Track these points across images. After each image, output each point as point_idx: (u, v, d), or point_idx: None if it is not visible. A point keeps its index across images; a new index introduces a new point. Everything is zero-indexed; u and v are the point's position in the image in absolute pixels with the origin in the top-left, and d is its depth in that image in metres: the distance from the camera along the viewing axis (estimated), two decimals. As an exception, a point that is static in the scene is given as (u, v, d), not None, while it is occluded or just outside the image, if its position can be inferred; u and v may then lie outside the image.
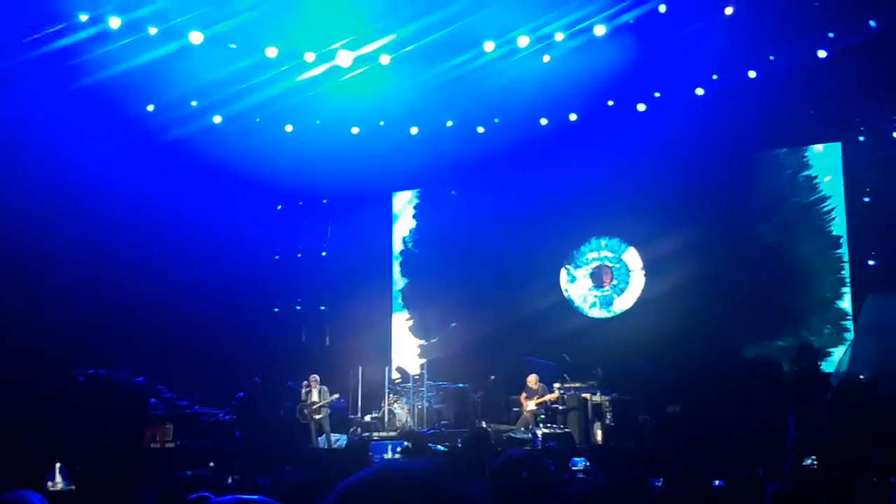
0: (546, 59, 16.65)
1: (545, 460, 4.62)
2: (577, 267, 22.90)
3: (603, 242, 22.72)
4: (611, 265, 22.52)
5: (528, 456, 4.39)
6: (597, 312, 22.46)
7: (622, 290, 22.60)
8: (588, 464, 9.54)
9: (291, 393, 18.11)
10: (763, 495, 5.70)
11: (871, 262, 17.82)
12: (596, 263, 22.93)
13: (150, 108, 17.27)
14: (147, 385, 17.08)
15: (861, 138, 17.61)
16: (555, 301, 21.60)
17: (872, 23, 15.22)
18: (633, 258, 22.19)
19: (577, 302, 22.59)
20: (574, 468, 8.88)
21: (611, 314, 21.99)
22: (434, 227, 21.65)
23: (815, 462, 11.41)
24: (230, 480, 10.41)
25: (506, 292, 20.91)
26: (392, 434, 17.47)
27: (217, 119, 17.76)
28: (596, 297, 22.71)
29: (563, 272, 22.91)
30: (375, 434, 17.56)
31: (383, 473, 1.65)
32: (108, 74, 15.51)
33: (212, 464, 14.42)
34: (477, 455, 12.75)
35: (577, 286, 22.64)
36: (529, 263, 21.45)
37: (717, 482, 8.41)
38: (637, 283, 22.29)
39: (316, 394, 17.56)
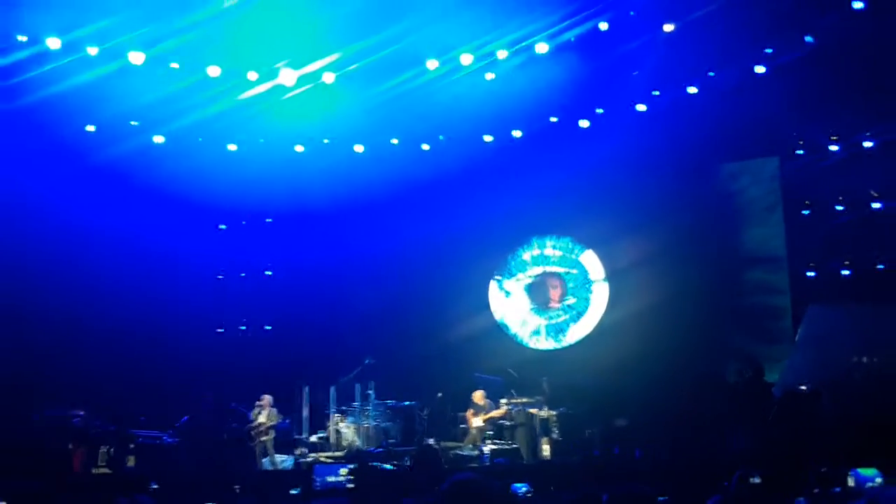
0: (489, 76, 16.77)
1: (491, 483, 4.59)
2: (510, 277, 21.29)
3: (549, 243, 21.19)
4: (561, 272, 20.89)
5: (472, 480, 4.36)
6: (542, 343, 20.96)
7: (579, 313, 20.69)
8: (530, 490, 9.52)
9: (235, 414, 17.87)
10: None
11: (810, 274, 18.13)
12: (537, 270, 21.19)
13: (91, 128, 17.04)
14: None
15: (799, 152, 17.93)
16: (486, 326, 20.82)
17: (809, 38, 15.54)
18: (592, 264, 20.93)
19: (514, 327, 21.04)
20: (517, 494, 8.84)
21: (561, 345, 20.79)
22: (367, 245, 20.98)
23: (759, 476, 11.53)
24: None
25: (434, 315, 20.41)
26: (339, 454, 17.31)
27: (158, 139, 17.55)
28: (541, 324, 20.85)
29: (492, 286, 21.53)
30: (322, 455, 17.38)
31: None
32: (47, 94, 15.33)
33: (155, 486, 14.19)
34: (425, 473, 12.72)
35: (512, 305, 21.03)
36: (454, 277, 20.71)
37: (661, 498, 8.45)
38: (599, 299, 20.73)
39: (265, 415, 17.35)
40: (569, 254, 21.38)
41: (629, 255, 20.03)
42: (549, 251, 21.58)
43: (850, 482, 10.50)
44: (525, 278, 21.42)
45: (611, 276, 20.79)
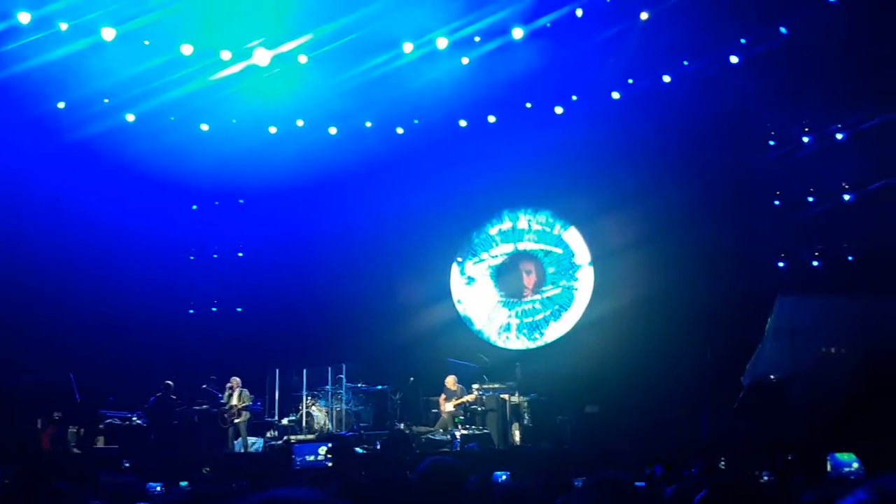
0: (465, 61, 16.71)
1: (465, 467, 4.60)
2: (473, 258, 19.66)
3: (524, 216, 19.28)
4: (537, 251, 18.89)
5: (449, 462, 4.37)
6: (513, 342, 19.68)
7: (561, 307, 18.64)
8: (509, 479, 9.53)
9: (207, 395, 17.81)
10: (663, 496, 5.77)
11: (780, 265, 18.24)
12: (506, 249, 19.41)
13: (61, 105, 16.84)
14: (46, 384, 16.50)
15: (771, 143, 18.00)
16: (447, 319, 19.98)
17: (783, 30, 15.59)
18: (578, 244, 19.02)
19: (479, 322, 19.57)
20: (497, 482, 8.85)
21: (535, 344, 19.54)
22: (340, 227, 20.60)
23: (724, 463, 11.61)
24: (158, 489, 10.17)
25: (397, 303, 19.85)
26: (310, 437, 17.29)
27: (130, 117, 17.38)
28: (511, 321, 19.02)
29: (453, 270, 20.19)
30: (293, 438, 17.35)
31: None
32: (17, 70, 15.15)
33: (126, 464, 14.17)
34: (396, 457, 12.74)
35: (476, 294, 19.47)
36: (413, 260, 19.82)
37: (638, 484, 8.50)
38: (584, 287, 18.96)
39: (236, 397, 17.30)
40: (549, 229, 19.59)
41: (618, 236, 18.86)
42: (523, 224, 19.83)
43: (829, 468, 10.65)
44: (491, 259, 19.81)
45: (597, 260, 19.30)
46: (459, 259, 19.75)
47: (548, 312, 19.45)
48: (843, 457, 10.67)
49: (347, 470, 12.29)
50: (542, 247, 19.41)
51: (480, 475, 9.22)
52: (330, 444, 14.72)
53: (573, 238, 19.43)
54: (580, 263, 19.25)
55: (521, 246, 19.90)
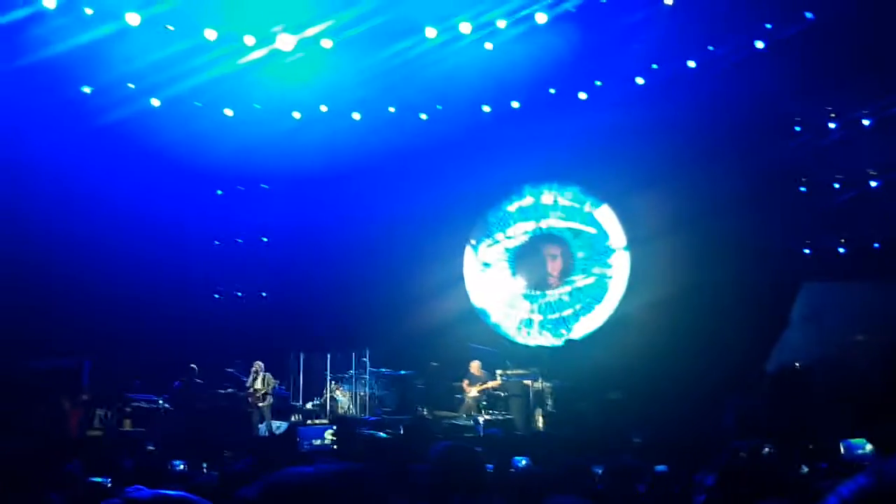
0: (488, 46, 16.65)
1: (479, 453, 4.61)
2: (488, 238, 18.02)
3: (548, 192, 17.45)
4: (565, 229, 17.00)
5: (463, 447, 4.39)
6: (534, 338, 18.34)
7: (593, 300, 16.88)
8: (529, 464, 9.53)
9: (232, 379, 17.94)
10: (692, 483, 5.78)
11: (806, 251, 18.11)
12: (526, 227, 17.64)
13: (87, 90, 16.93)
14: (73, 368, 16.67)
15: (797, 129, 17.85)
16: (460, 311, 18.97)
17: (809, 15, 15.44)
18: (612, 224, 17.33)
19: (496, 315, 18.16)
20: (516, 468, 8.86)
21: (561, 342, 17.97)
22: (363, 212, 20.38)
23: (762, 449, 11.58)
24: (181, 466, 10.28)
25: (413, 290, 19.10)
26: (325, 421, 17.41)
27: (155, 102, 17.46)
28: (534, 316, 17.39)
29: (466, 254, 18.86)
30: (318, 423, 17.46)
31: (276, 487, 1.61)
32: (44, 56, 15.22)
33: (151, 447, 14.33)
34: (418, 442, 12.77)
35: (491, 282, 17.88)
36: (426, 244, 18.69)
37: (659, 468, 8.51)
38: (619, 275, 17.38)
39: (260, 381, 17.42)
40: (578, 205, 17.85)
41: (652, 218, 17.64)
42: (547, 200, 18.12)
43: (842, 451, 10.63)
44: (508, 240, 18.33)
45: (632, 245, 17.84)
46: (473, 241, 18.12)
47: (578, 307, 17.82)
48: (857, 442, 10.64)
49: (352, 453, 12.34)
50: (572, 225, 17.59)
51: (499, 460, 9.27)
52: (335, 427, 14.80)
53: (606, 217, 17.76)
54: (615, 247, 17.62)
55: (546, 224, 18.25)
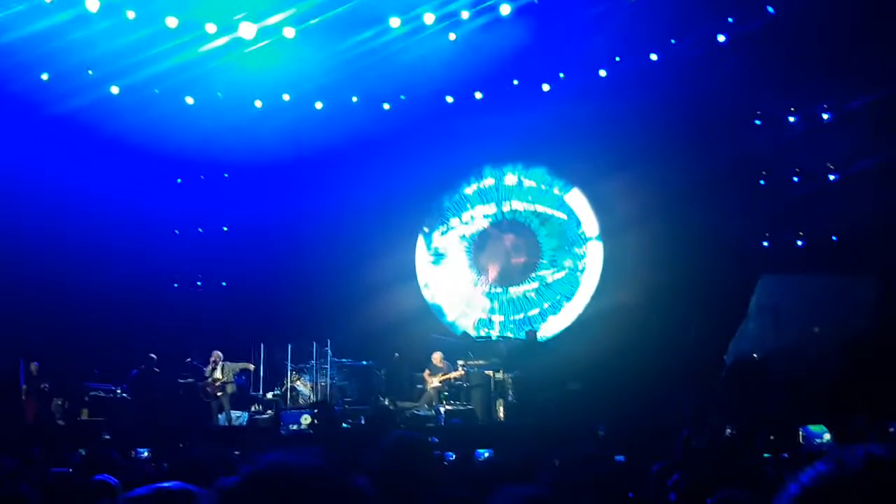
0: (452, 37, 16.64)
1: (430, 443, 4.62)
2: (442, 225, 16.57)
3: (512, 175, 15.88)
4: (531, 213, 15.39)
5: (415, 437, 4.40)
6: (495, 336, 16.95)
7: (562, 298, 15.39)
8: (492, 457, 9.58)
9: (192, 369, 17.83)
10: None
11: (764, 244, 18.30)
12: (486, 211, 16.18)
13: (45, 76, 16.71)
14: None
15: (757, 122, 18.02)
16: (413, 307, 18.25)
17: (770, 9, 15.58)
18: (584, 209, 15.82)
19: (452, 314, 16.92)
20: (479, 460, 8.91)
21: (522, 333, 16.77)
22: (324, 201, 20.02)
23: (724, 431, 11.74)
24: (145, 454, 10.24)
25: (367, 282, 18.50)
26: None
27: (114, 90, 17.27)
28: (491, 311, 15.62)
29: (419, 244, 17.59)
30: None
31: (265, 473, 1.61)
32: (1, 42, 14.98)
33: (107, 436, 14.25)
34: (380, 432, 12.78)
35: (445, 276, 16.68)
36: (379, 234, 17.80)
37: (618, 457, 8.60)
38: (592, 267, 15.94)
39: (219, 371, 17.32)
40: (546, 187, 16.25)
41: (626, 205, 16.55)
42: (510, 181, 16.47)
43: (801, 440, 10.83)
44: (464, 226, 16.78)
45: (606, 235, 16.44)
46: (426, 229, 16.60)
47: (546, 305, 16.32)
48: (815, 428, 10.85)
49: (330, 437, 12.33)
50: (540, 208, 15.83)
51: (462, 451, 9.30)
52: (315, 411, 14.77)
53: (577, 202, 16.17)
54: (589, 236, 16.09)
55: (508, 207, 16.66)
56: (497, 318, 15.94)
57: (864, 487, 1.16)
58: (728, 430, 11.75)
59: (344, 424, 15.06)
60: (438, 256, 15.78)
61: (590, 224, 15.99)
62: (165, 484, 2.66)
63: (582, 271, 15.91)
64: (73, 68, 16.40)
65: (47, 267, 17.72)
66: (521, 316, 15.86)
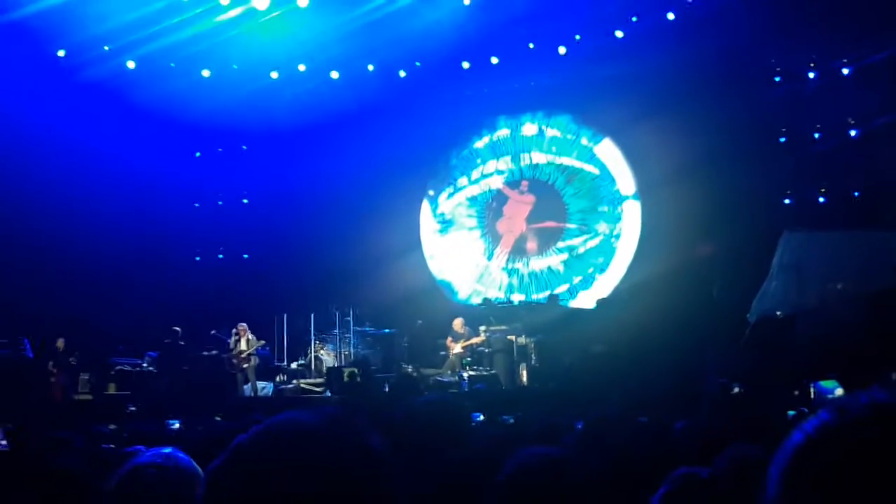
0: (466, 1, 16.53)
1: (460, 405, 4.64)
2: (449, 186, 14.24)
3: (531, 124, 13.27)
4: (555, 167, 12.60)
5: (442, 400, 4.42)
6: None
7: (596, 269, 12.86)
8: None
9: (216, 341, 17.95)
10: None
11: (786, 201, 18.19)
12: (498, 166, 13.51)
13: (62, 53, 16.76)
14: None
15: (777, 79, 17.84)
16: (420, 284, 17.75)
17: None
18: (618, 163, 13.41)
19: (462, 291, 14.80)
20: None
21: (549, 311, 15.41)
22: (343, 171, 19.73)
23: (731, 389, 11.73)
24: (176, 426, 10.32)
25: (392, 251, 17.91)
26: (319, 381, 17.44)
27: (131, 64, 17.29)
28: (509, 288, 13.45)
29: (423, 210, 15.70)
30: (302, 382, 17.53)
31: (277, 428, 1.62)
32: (17, 15, 15.03)
33: (133, 408, 14.40)
34: (405, 399, 12.83)
35: (452, 245, 14.38)
36: (383, 200, 16.86)
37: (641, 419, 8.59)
38: (629, 232, 13.62)
39: (244, 342, 17.44)
40: (573, 137, 13.76)
41: (662, 160, 14.55)
42: (530, 131, 14.06)
43: (812, 395, 10.88)
44: (473, 186, 14.36)
45: (644, 192, 14.25)
46: (431, 192, 14.35)
47: (576, 280, 14.02)
48: (827, 384, 10.86)
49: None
50: (566, 161, 13.34)
51: (486, 414, 9.35)
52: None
53: (610, 154, 13.70)
54: (625, 194, 13.81)
55: (527, 161, 14.35)
56: (517, 298, 13.93)
57: (868, 433, 1.16)
58: (735, 389, 11.74)
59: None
60: (446, 224, 13.44)
61: (625, 181, 13.78)
62: (162, 450, 2.65)
63: (618, 237, 13.82)
64: (89, 41, 16.44)
65: (68, 243, 17.83)
66: (547, 294, 13.67)
